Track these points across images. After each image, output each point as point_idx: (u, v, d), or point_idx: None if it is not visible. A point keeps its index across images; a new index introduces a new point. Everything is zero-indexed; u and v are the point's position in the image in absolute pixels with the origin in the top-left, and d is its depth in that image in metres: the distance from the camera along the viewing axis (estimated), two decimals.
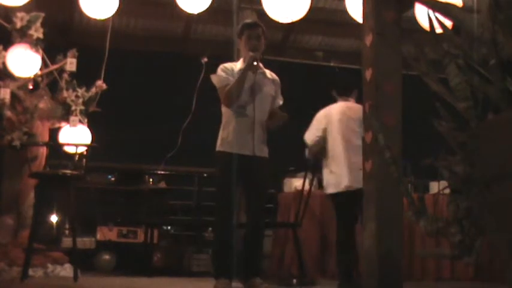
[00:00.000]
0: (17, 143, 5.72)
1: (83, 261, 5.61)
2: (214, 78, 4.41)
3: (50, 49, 6.08)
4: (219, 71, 4.42)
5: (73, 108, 5.93)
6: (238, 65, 4.44)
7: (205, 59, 6.10)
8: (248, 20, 4.84)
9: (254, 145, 4.29)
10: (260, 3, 5.39)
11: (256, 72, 4.35)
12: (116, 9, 5.53)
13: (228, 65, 4.46)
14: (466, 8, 1.83)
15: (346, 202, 4.68)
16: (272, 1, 5.32)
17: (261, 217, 4.42)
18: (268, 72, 4.49)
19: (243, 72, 4.28)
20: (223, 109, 4.40)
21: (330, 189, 4.85)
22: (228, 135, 4.30)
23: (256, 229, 4.38)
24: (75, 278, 4.87)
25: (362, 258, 4.01)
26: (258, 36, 4.41)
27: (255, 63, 4.31)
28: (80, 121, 5.95)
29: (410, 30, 4.05)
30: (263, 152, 4.38)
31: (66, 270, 5.42)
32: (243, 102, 4.30)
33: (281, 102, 4.52)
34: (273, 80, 4.50)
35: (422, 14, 5.29)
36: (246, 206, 4.44)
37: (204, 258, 6.56)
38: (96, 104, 6.01)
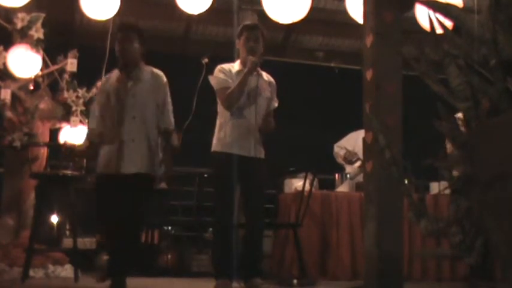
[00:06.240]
0: (17, 143, 5.73)
1: (84, 261, 5.61)
2: (212, 80, 4.41)
3: (51, 49, 6.09)
4: (217, 72, 4.42)
5: (74, 108, 5.93)
6: (235, 66, 4.44)
7: (206, 60, 6.09)
8: (248, 22, 4.84)
9: (253, 147, 4.29)
10: (260, 4, 5.40)
11: (255, 75, 4.35)
12: (116, 10, 5.53)
13: (226, 66, 4.45)
14: (466, 9, 1.83)
15: None
16: (272, 2, 5.32)
17: (260, 218, 4.43)
18: (264, 75, 4.49)
19: (245, 76, 4.27)
20: (220, 110, 4.39)
21: None
22: (226, 136, 4.30)
23: (256, 230, 4.38)
24: (76, 278, 4.88)
25: (362, 258, 4.01)
26: (256, 38, 4.41)
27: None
28: (81, 121, 5.96)
29: (410, 30, 4.05)
30: (261, 153, 4.39)
31: (67, 270, 5.43)
32: (241, 104, 4.31)
33: (276, 105, 4.52)
34: (269, 83, 4.50)
35: (422, 15, 5.30)
36: (245, 207, 4.43)
37: (205, 258, 6.56)
38: None
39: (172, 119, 4.32)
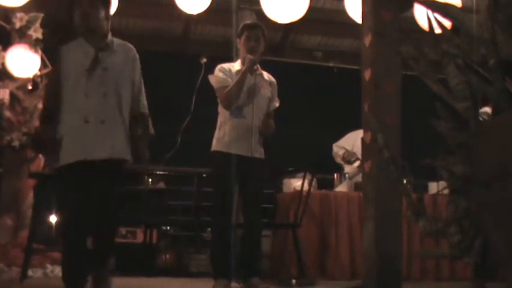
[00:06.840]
0: (16, 143, 5.73)
1: None
2: (212, 79, 4.41)
3: (50, 49, 6.08)
4: (217, 71, 4.41)
5: None
6: (236, 66, 4.43)
7: (205, 60, 6.10)
8: (249, 21, 4.84)
9: (252, 146, 4.28)
10: (259, 4, 5.40)
11: (254, 74, 4.35)
12: (115, 10, 5.53)
13: (226, 65, 4.44)
14: (465, 8, 1.83)
15: None
16: (271, 1, 5.32)
17: (258, 218, 4.42)
18: (265, 74, 4.49)
19: (243, 74, 4.26)
20: (220, 109, 4.39)
21: None
22: (225, 136, 4.30)
23: (254, 230, 4.38)
24: None
25: (362, 258, 4.01)
26: (257, 37, 4.39)
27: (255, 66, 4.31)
28: None
29: (409, 30, 4.06)
30: (260, 153, 4.38)
31: None
32: (241, 103, 4.30)
33: (277, 105, 4.51)
34: (270, 82, 4.49)
35: (421, 14, 5.30)
36: (243, 206, 4.43)
37: (203, 258, 6.56)
38: None
39: (146, 102, 3.72)
